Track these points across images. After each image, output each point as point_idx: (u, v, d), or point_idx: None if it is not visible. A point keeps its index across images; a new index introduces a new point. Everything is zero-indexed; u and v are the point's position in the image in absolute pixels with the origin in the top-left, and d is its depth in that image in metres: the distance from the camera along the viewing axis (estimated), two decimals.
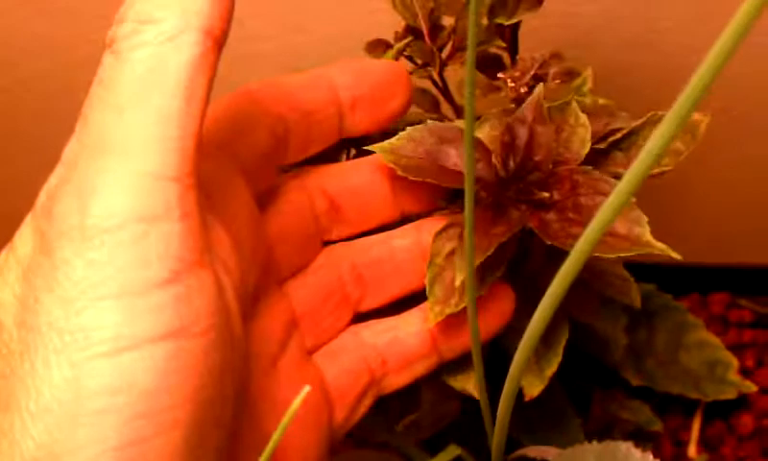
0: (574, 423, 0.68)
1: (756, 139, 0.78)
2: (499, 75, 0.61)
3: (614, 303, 0.70)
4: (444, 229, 0.48)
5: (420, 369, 0.50)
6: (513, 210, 0.46)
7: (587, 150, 0.47)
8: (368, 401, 0.50)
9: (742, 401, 0.79)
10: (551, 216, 0.45)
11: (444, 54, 0.67)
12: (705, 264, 0.85)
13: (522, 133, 0.48)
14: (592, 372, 0.74)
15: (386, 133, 0.52)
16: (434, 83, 0.67)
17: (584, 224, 0.45)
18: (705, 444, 0.78)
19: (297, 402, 0.28)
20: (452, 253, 0.46)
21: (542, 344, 0.54)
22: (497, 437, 0.50)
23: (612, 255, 0.44)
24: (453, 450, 0.58)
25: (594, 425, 0.73)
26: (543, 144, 0.47)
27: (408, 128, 0.50)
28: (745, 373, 0.79)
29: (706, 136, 0.81)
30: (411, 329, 0.50)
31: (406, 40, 0.63)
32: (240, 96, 0.44)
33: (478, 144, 0.49)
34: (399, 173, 0.47)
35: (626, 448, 0.44)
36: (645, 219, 0.44)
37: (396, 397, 0.73)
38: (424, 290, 0.48)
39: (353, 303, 0.49)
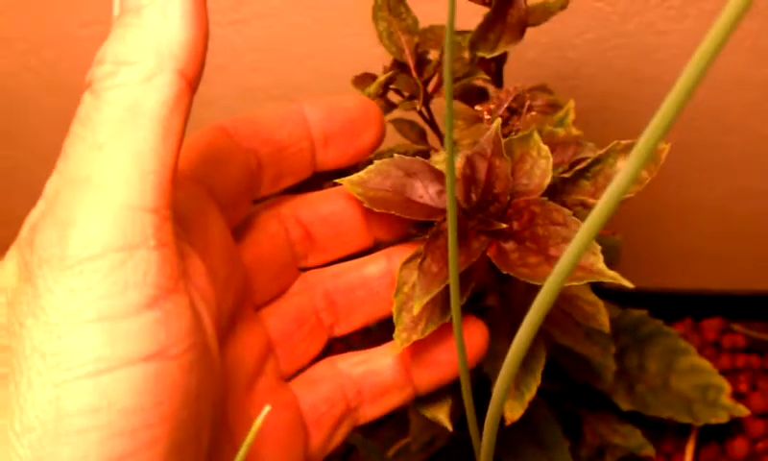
0: (563, 447, 0.68)
1: (748, 171, 0.79)
2: (477, 107, 0.62)
3: (599, 339, 0.71)
4: (411, 258, 0.49)
5: (394, 400, 0.51)
6: (473, 240, 0.47)
7: (548, 180, 0.48)
8: (343, 430, 0.51)
9: (736, 426, 0.80)
10: (510, 245, 0.47)
11: (430, 87, 0.69)
12: (698, 290, 0.85)
13: (482, 167, 0.49)
14: (583, 396, 0.75)
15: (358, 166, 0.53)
16: (421, 115, 0.69)
17: (540, 252, 0.46)
18: None
19: (258, 421, 0.30)
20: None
21: (522, 369, 0.55)
22: None
23: (566, 284, 0.45)
24: None
25: (586, 451, 0.74)
26: (502, 177, 0.48)
27: (376, 161, 0.51)
28: (739, 397, 0.80)
29: (700, 167, 0.82)
30: (385, 361, 0.51)
31: (389, 74, 0.65)
32: (214, 131, 0.46)
33: (441, 176, 0.50)
34: (366, 205, 0.48)
35: None
36: (598, 248, 0.45)
37: (387, 423, 0.74)
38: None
39: (327, 329, 0.50)
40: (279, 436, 0.47)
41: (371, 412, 0.51)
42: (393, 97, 0.72)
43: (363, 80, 0.69)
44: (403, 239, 0.52)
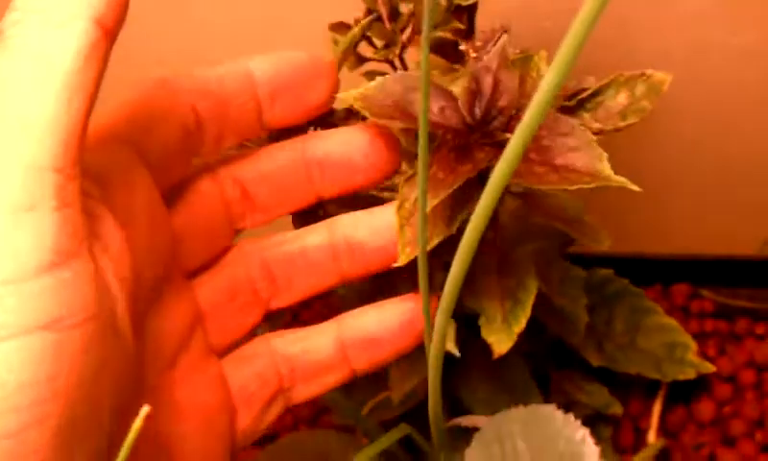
0: (537, 401, 0.69)
1: (720, 138, 0.80)
2: (461, 47, 0.62)
3: (576, 282, 0.72)
4: (411, 176, 0.50)
5: (330, 381, 0.49)
6: (478, 152, 0.48)
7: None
8: (275, 410, 0.49)
9: (703, 390, 0.80)
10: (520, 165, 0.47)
11: (404, 37, 0.69)
12: (667, 255, 0.86)
13: (487, 81, 0.49)
14: (551, 353, 0.75)
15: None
16: (393, 66, 0.69)
17: (546, 163, 0.46)
18: (665, 430, 0.79)
19: (137, 422, 0.28)
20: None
21: (511, 301, 0.55)
22: (432, 398, 0.51)
23: (573, 188, 0.45)
24: (404, 428, 0.59)
25: None
26: (508, 90, 0.49)
27: (378, 77, 0.52)
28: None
29: (671, 134, 0.83)
30: (323, 341, 0.49)
31: (366, 19, 0.65)
32: (150, 88, 0.43)
33: (446, 93, 0.51)
34: (371, 118, 0.48)
35: (549, 410, 0.45)
36: (605, 155, 0.46)
37: (364, 378, 0.74)
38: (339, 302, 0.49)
39: (263, 302, 0.48)
40: (203, 415, 0.44)
41: (305, 392, 0.49)
42: (365, 51, 0.72)
43: (339, 27, 0.69)
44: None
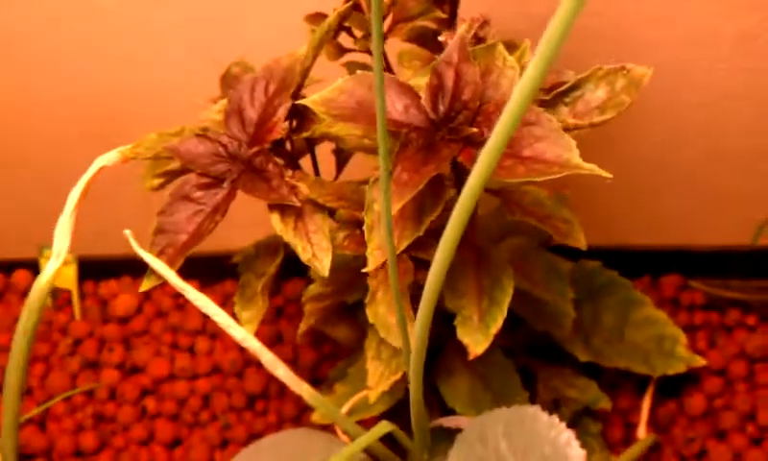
0: (521, 397, 0.67)
1: (714, 133, 0.78)
2: (440, 37, 0.61)
3: (561, 276, 0.70)
4: (378, 179, 0.48)
5: None
6: (443, 149, 0.46)
7: None
8: None
9: (694, 382, 0.79)
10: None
11: (385, 27, 0.67)
12: (656, 246, 0.84)
13: (449, 75, 0.48)
14: (538, 349, 0.74)
15: None
16: (372, 56, 0.68)
17: (513, 155, 0.45)
18: (655, 425, 0.77)
19: None
20: None
21: (488, 300, 0.53)
22: (414, 397, 0.49)
23: (541, 179, 0.44)
24: (386, 426, 0.57)
25: (540, 405, 0.72)
26: (470, 83, 0.47)
27: (339, 79, 0.50)
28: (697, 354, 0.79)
29: (666, 128, 0.81)
30: None
31: (343, 8, 0.63)
32: None
33: (410, 91, 0.49)
34: (330, 121, 0.47)
35: (533, 411, 0.44)
36: (573, 143, 0.45)
37: (343, 378, 0.72)
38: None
39: None
40: None
41: None
42: (345, 42, 0.70)
43: (315, 18, 0.67)
44: None
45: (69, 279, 0.88)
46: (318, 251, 0.52)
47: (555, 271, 0.68)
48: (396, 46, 0.69)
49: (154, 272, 0.53)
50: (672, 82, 0.76)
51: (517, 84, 0.31)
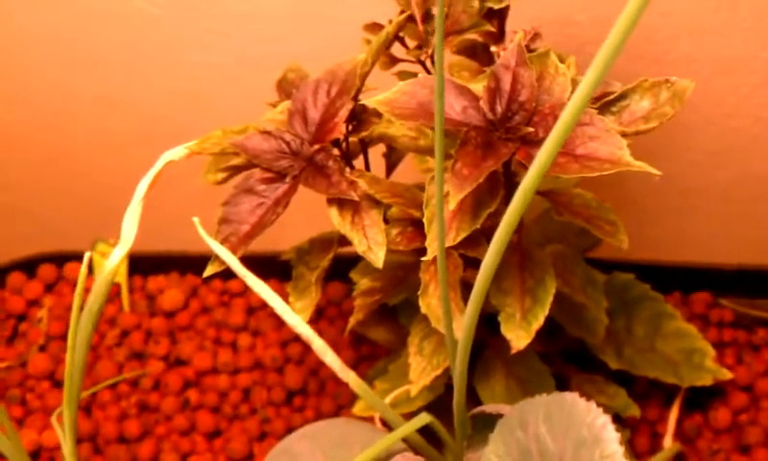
0: None
1: (748, 156, 0.81)
2: (492, 48, 0.64)
3: (596, 285, 0.73)
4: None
5: None
6: (501, 147, 0.49)
7: (567, 94, 0.51)
8: None
9: (720, 397, 0.81)
10: (537, 152, 0.49)
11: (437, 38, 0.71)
12: (687, 263, 0.87)
13: (507, 78, 0.51)
14: (572, 355, 0.77)
15: None
16: (424, 67, 0.71)
17: (567, 153, 0.48)
18: (681, 436, 0.80)
19: None
20: (447, 194, 0.50)
21: (530, 299, 0.57)
22: (458, 386, 0.52)
23: (594, 175, 0.47)
24: (425, 417, 0.60)
25: None
26: (527, 85, 0.51)
27: (400, 83, 0.54)
28: None
29: (702, 150, 0.84)
30: None
31: (400, 19, 0.67)
32: None
33: (468, 93, 0.52)
34: (393, 119, 0.50)
35: (572, 397, 0.46)
36: (624, 143, 0.48)
37: (386, 373, 0.75)
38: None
39: None
40: None
41: None
42: (396, 52, 0.74)
43: (373, 28, 0.71)
44: None
45: (119, 273, 0.91)
46: (373, 244, 0.55)
47: (591, 280, 0.71)
48: (446, 58, 0.73)
49: (217, 258, 0.57)
50: (707, 104, 0.79)
51: (580, 84, 0.34)
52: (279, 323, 0.91)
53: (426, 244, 0.51)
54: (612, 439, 0.42)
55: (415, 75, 0.70)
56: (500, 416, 0.48)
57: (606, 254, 0.78)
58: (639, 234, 0.88)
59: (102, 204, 0.95)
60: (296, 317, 0.56)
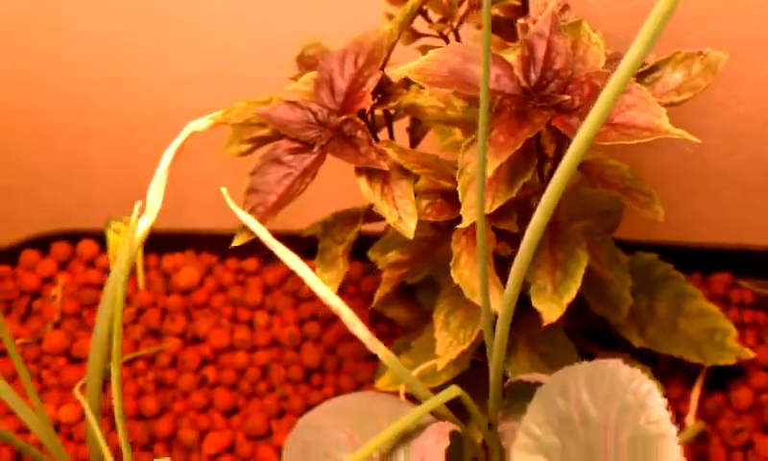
0: None
1: (763, 141, 0.80)
2: (520, 21, 0.64)
3: (621, 264, 0.72)
4: (472, 142, 0.51)
5: None
6: (536, 115, 0.49)
7: (602, 64, 0.50)
8: None
9: (741, 377, 0.81)
10: (574, 120, 0.49)
11: (462, 11, 0.70)
12: (707, 245, 0.86)
13: (541, 46, 0.51)
14: (596, 334, 0.76)
15: None
16: (447, 42, 0.70)
17: (605, 122, 0.48)
18: (703, 415, 0.79)
19: None
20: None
21: (562, 272, 0.56)
22: (497, 353, 0.52)
23: (632, 142, 0.47)
24: (455, 390, 0.60)
25: None
26: (561, 53, 0.50)
27: (431, 51, 0.53)
28: None
29: (718, 134, 0.83)
30: None
31: None
32: None
33: (501, 61, 0.52)
34: (425, 86, 0.50)
35: (615, 364, 0.46)
36: (663, 111, 0.47)
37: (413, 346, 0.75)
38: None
39: None
40: None
41: None
42: (419, 27, 0.73)
43: (396, 0, 0.70)
44: None
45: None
46: (404, 215, 0.54)
47: (616, 258, 0.70)
48: (468, 33, 0.72)
49: (245, 229, 0.56)
50: (731, 84, 0.78)
51: (628, 52, 0.34)
52: (296, 301, 0.90)
53: (461, 212, 0.50)
54: (657, 405, 0.41)
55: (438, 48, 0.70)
56: (537, 385, 0.47)
57: (626, 235, 0.78)
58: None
59: (115, 183, 0.95)
60: (325, 288, 0.56)
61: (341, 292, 0.90)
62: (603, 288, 0.70)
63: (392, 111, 0.63)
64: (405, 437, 0.59)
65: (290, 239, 0.88)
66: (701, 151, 0.82)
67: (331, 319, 0.89)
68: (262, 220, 0.56)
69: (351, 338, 0.88)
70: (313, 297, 0.91)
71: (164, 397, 0.84)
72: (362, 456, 0.56)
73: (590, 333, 0.76)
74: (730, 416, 0.79)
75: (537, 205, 0.61)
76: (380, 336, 0.89)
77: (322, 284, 0.56)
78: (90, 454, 0.67)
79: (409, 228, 0.54)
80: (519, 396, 0.52)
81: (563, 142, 0.55)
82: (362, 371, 0.84)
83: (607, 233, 0.75)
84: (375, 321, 0.88)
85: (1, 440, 0.79)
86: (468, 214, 0.50)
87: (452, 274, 0.55)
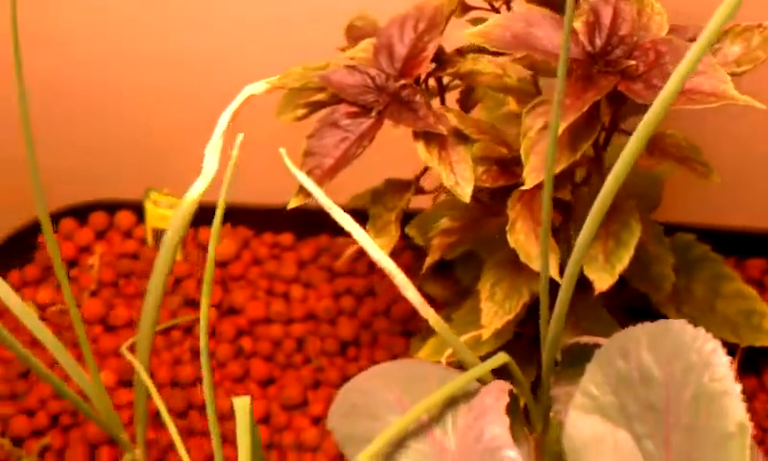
0: None
1: None
2: None
3: (663, 242, 0.73)
4: (534, 106, 0.52)
5: None
6: (602, 80, 0.50)
7: (664, 32, 0.51)
8: None
9: None
10: (638, 86, 0.49)
11: None
12: (744, 229, 0.87)
13: (606, 12, 0.51)
14: (637, 312, 0.77)
15: None
16: (497, 12, 0.71)
17: None
18: None
19: None
20: (544, 127, 0.50)
21: (614, 241, 0.57)
22: (556, 323, 0.52)
23: (699, 107, 0.47)
24: (502, 358, 0.60)
25: None
26: (627, 19, 0.51)
27: (493, 15, 0.54)
28: None
29: (753, 122, 0.84)
30: None
31: None
32: None
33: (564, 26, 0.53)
34: (490, 47, 0.51)
35: (679, 324, 0.46)
36: (728, 77, 0.48)
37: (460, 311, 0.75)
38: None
39: None
40: None
41: None
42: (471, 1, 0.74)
43: None
44: None
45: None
46: (461, 179, 0.55)
47: (658, 236, 0.71)
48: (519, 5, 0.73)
49: (302, 190, 0.57)
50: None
51: (704, 30, 0.34)
52: (331, 276, 0.91)
53: (524, 175, 0.51)
54: (722, 363, 0.42)
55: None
56: (595, 348, 0.48)
57: (662, 217, 0.78)
58: (699, 199, 0.88)
59: (152, 155, 0.96)
60: (379, 251, 0.56)
61: (372, 269, 0.92)
62: (646, 265, 0.70)
63: (445, 81, 0.63)
64: (452, 402, 0.59)
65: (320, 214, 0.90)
66: (736, 137, 0.83)
67: (366, 294, 0.89)
68: (319, 182, 0.57)
69: (387, 313, 0.89)
70: (348, 272, 0.92)
71: (200, 366, 0.85)
72: (412, 417, 0.57)
73: (629, 311, 0.77)
74: (763, 399, 0.80)
75: (582, 177, 0.61)
76: (416, 313, 0.90)
77: (376, 247, 0.56)
78: (136, 406, 0.68)
79: (465, 192, 0.55)
80: (572, 361, 0.52)
81: (619, 111, 0.56)
82: (397, 345, 0.85)
83: (651, 209, 0.76)
84: None
85: (55, 392, 0.80)
86: (531, 177, 0.51)
87: (508, 238, 0.56)
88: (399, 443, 0.57)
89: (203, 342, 0.52)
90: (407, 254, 0.89)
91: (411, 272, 0.88)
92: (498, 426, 0.43)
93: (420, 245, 0.81)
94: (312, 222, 0.93)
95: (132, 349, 0.72)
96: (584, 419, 0.46)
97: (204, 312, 0.54)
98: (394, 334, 0.87)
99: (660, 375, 0.43)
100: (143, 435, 0.68)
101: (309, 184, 0.56)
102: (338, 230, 0.98)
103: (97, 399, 0.66)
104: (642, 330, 0.45)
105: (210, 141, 0.61)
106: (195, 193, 0.61)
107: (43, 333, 0.64)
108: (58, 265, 0.64)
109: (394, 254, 0.91)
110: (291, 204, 0.58)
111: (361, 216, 0.69)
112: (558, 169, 0.51)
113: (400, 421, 0.57)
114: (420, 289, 0.86)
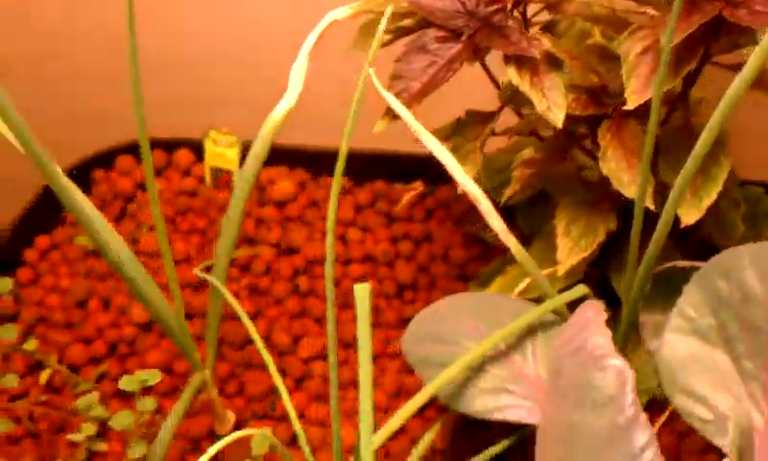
0: None
1: None
2: None
3: (735, 189, 0.73)
4: (633, 31, 0.52)
5: None
6: (706, 4, 0.50)
7: None
8: None
9: None
10: (741, 12, 0.49)
11: None
12: None
13: None
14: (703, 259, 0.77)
15: None
16: None
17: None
18: None
19: None
20: (643, 51, 0.50)
21: (702, 177, 0.57)
22: (654, 246, 0.52)
23: None
24: (581, 289, 0.60)
25: None
26: None
27: None
28: None
29: None
30: None
31: None
32: None
33: None
34: None
35: None
36: None
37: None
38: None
39: None
40: None
41: None
42: None
43: None
44: None
45: (232, 161, 0.92)
46: (552, 105, 0.55)
47: (734, 182, 0.71)
48: None
49: (389, 112, 0.57)
50: None
51: None
52: (387, 221, 0.91)
53: (626, 96, 0.51)
54: None
55: None
56: (693, 270, 0.48)
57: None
58: (764, 156, 0.88)
59: (209, 94, 0.96)
60: (465, 176, 0.56)
61: (429, 215, 0.92)
62: (717, 213, 0.70)
63: (529, 14, 0.63)
64: (531, 331, 0.60)
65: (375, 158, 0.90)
66: None
67: (424, 239, 0.89)
68: (408, 105, 0.57)
69: (444, 258, 0.89)
70: (406, 218, 0.92)
71: (258, 302, 0.85)
72: (492, 343, 0.57)
73: (701, 258, 0.76)
74: None
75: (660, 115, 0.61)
76: (473, 259, 0.90)
77: (462, 172, 0.56)
78: (208, 330, 0.68)
79: (558, 118, 0.55)
80: (663, 289, 0.52)
81: (714, 43, 0.55)
82: (455, 289, 0.85)
83: None
84: (470, 243, 0.88)
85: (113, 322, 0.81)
86: (633, 99, 0.51)
87: (600, 166, 0.55)
88: (479, 367, 0.57)
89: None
90: (459, 203, 0.89)
91: (469, 220, 0.89)
92: (602, 337, 0.43)
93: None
94: (369, 166, 0.94)
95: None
96: (681, 340, 0.46)
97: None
98: (451, 279, 0.87)
99: (763, 292, 0.43)
100: (213, 357, 0.69)
101: (398, 106, 0.56)
102: (394, 176, 0.99)
103: (176, 322, 0.66)
104: (744, 251, 0.45)
105: (296, 62, 0.61)
106: (280, 112, 0.61)
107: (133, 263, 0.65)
108: (152, 197, 0.64)
109: (444, 204, 0.92)
110: (377, 127, 0.58)
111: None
112: (660, 91, 0.51)
113: (480, 346, 0.57)
114: (478, 236, 0.87)
